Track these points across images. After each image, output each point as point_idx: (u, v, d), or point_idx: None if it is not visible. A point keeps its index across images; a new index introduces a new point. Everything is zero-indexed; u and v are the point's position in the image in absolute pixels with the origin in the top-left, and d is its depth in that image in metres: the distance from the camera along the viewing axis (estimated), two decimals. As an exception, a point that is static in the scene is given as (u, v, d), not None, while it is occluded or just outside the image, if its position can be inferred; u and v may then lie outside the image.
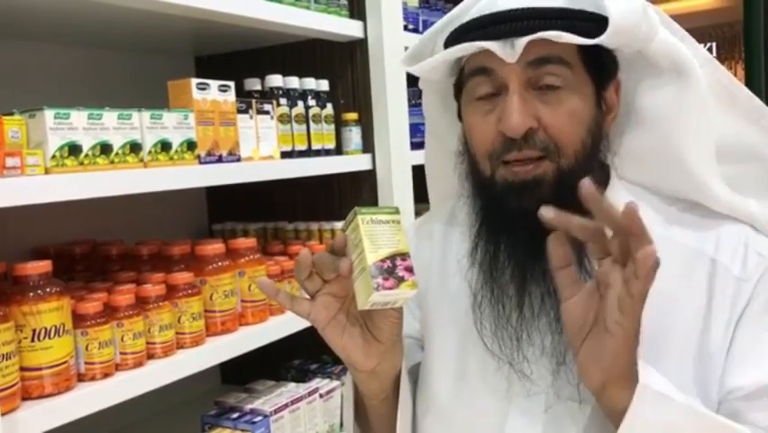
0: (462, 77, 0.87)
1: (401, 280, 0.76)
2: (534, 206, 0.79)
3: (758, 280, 0.81)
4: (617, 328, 0.70)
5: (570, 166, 0.80)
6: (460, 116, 0.89)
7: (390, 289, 0.75)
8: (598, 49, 0.81)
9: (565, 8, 0.80)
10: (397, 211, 0.81)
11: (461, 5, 0.89)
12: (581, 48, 0.80)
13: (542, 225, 0.78)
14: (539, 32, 0.77)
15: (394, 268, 0.76)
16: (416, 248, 1.00)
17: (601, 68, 0.83)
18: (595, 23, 0.79)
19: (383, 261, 0.76)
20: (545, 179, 0.80)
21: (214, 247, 1.41)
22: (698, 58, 0.85)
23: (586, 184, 0.68)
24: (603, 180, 0.89)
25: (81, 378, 1.14)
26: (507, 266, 0.83)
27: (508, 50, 0.79)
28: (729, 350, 0.80)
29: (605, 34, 0.77)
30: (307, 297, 0.83)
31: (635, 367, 0.73)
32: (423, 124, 1.94)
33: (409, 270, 0.77)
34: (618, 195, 0.88)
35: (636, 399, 0.71)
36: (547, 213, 0.71)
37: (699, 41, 0.88)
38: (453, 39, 0.86)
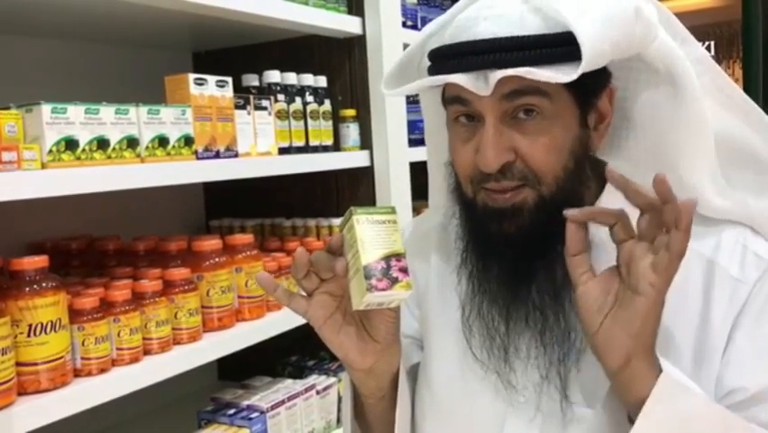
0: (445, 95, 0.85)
1: (395, 281, 0.76)
2: (513, 231, 0.79)
3: (756, 281, 0.81)
4: (650, 289, 0.71)
5: (550, 192, 0.79)
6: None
7: (384, 290, 0.75)
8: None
9: (542, 35, 0.75)
10: (393, 211, 0.80)
11: (443, 17, 0.86)
12: None
13: (524, 248, 0.79)
14: (511, 67, 0.73)
15: (388, 269, 0.76)
16: (415, 247, 1.00)
17: (588, 85, 0.79)
18: (577, 45, 0.73)
19: (378, 262, 0.76)
20: (524, 207, 0.79)
21: (212, 243, 1.40)
22: (696, 62, 0.83)
23: (611, 170, 0.72)
24: (600, 183, 0.88)
25: (77, 373, 1.14)
26: (495, 281, 0.83)
27: (481, 84, 0.76)
28: (727, 350, 0.80)
29: (580, 68, 0.72)
30: (305, 294, 0.83)
31: (655, 352, 0.74)
32: (421, 121, 1.94)
33: (404, 270, 0.77)
34: (616, 197, 0.88)
35: (659, 386, 0.72)
36: (572, 214, 0.74)
37: (697, 39, 0.86)
38: (431, 59, 0.84)
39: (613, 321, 0.73)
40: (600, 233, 0.79)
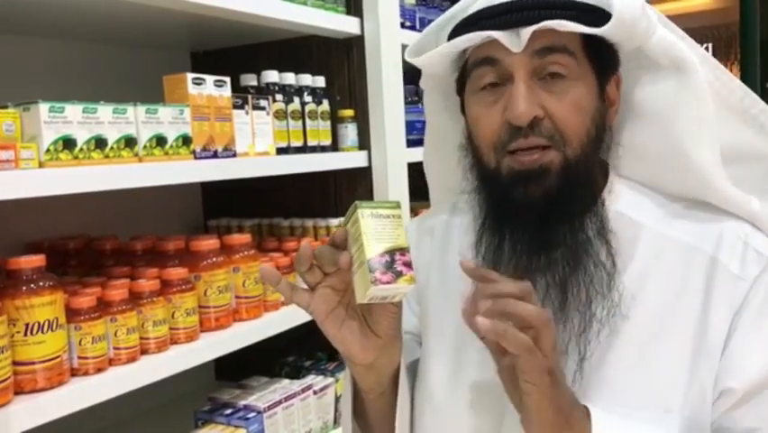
0: (466, 69, 0.88)
1: (399, 274, 0.76)
2: (539, 195, 0.81)
3: (755, 278, 0.82)
4: (528, 387, 0.74)
5: (575, 156, 0.81)
6: (463, 111, 0.90)
7: (388, 283, 0.75)
8: (601, 42, 0.83)
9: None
10: (397, 206, 0.81)
11: (462, 2, 0.89)
12: (585, 40, 0.82)
13: (547, 214, 0.81)
14: (544, 21, 0.79)
15: (392, 263, 0.76)
16: (417, 245, 1.00)
17: (603, 60, 0.85)
18: (598, 15, 0.81)
19: (382, 255, 0.76)
20: (551, 169, 0.81)
21: (209, 243, 1.40)
22: (695, 57, 0.85)
23: (464, 263, 0.79)
24: (602, 179, 0.89)
25: (74, 373, 1.13)
26: (512, 258, 0.83)
27: (514, 40, 0.80)
28: (725, 349, 0.80)
29: (608, 25, 0.79)
30: (307, 288, 0.83)
31: (577, 408, 0.77)
32: (419, 122, 1.96)
33: (408, 265, 0.77)
34: (618, 195, 0.88)
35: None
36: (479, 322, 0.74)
37: (696, 41, 0.88)
38: (458, 31, 0.87)
39: (526, 406, 0.76)
40: (621, 236, 0.83)
